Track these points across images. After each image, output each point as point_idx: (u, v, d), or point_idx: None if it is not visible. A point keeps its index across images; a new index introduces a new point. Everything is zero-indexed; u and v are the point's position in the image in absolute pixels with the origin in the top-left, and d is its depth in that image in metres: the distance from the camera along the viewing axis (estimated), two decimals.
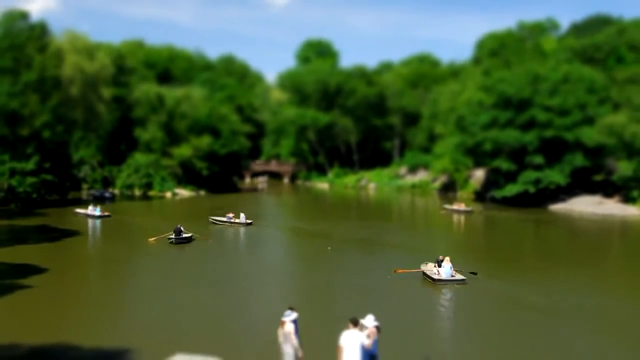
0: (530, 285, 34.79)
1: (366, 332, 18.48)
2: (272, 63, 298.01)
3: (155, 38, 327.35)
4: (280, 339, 19.20)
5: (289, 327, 18.97)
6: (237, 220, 59.17)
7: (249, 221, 59.10)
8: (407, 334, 25.23)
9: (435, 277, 35.08)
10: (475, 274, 36.07)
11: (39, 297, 30.86)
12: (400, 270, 37.07)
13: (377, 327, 19.02)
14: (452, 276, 35.10)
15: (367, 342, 17.73)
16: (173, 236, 47.66)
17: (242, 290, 33.60)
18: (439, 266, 35.63)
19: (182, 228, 48.39)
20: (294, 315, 19.28)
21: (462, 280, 34.95)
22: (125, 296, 33.14)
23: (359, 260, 43.51)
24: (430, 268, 36.32)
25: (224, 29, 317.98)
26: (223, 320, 27.67)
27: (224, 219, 59.66)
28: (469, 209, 77.31)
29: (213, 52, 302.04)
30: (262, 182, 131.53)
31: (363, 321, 18.70)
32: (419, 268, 37.18)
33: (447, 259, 35.49)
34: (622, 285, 37.03)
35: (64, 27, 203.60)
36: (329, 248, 46.32)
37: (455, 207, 78.09)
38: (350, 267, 40.55)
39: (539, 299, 31.57)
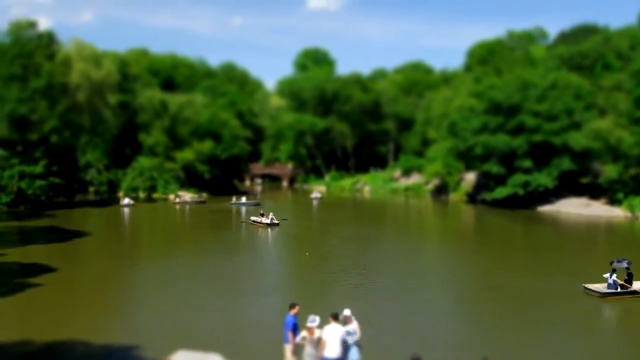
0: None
1: (352, 325, 19.66)
2: (272, 70, 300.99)
3: (162, 46, 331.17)
4: (306, 343, 19.27)
5: (318, 334, 19.16)
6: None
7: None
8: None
9: (264, 222, 62.25)
10: (285, 219, 64.86)
11: (49, 295, 31.63)
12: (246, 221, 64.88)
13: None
14: (272, 221, 61.92)
15: (344, 333, 19.02)
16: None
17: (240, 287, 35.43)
18: (266, 217, 62.65)
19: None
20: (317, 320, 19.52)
21: (277, 223, 62.03)
22: (132, 293, 33.93)
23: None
24: (258, 218, 63.70)
25: (226, 37, 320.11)
26: (224, 317, 28.54)
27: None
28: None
29: (215, 59, 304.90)
30: (257, 184, 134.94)
31: (346, 312, 19.88)
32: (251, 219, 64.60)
33: (272, 213, 63.00)
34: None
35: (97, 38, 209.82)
36: (307, 254, 46.69)
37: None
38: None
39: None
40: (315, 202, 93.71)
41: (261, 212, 65.15)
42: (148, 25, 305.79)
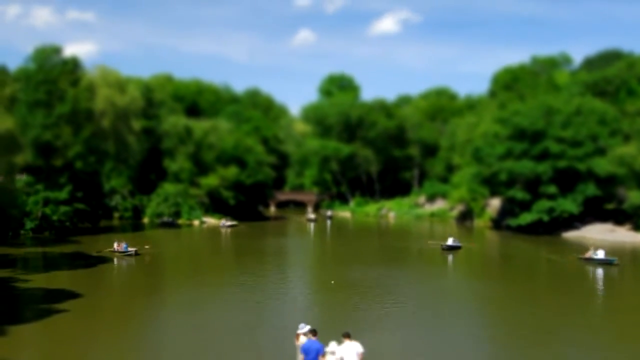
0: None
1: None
2: (297, 96, 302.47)
3: (195, 72, 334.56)
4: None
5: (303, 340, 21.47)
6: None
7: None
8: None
9: (119, 250, 57.39)
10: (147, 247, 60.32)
11: (74, 321, 32.03)
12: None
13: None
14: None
15: (362, 349, 20.73)
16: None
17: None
18: (119, 245, 58.11)
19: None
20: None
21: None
22: (155, 320, 34.02)
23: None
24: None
25: (250, 63, 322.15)
26: (246, 341, 28.84)
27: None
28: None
29: (240, 85, 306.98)
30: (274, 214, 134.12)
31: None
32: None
33: (124, 242, 58.81)
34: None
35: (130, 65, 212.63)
36: (332, 282, 45.76)
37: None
38: None
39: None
40: (312, 226, 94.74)
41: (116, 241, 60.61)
42: (185, 52, 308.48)
